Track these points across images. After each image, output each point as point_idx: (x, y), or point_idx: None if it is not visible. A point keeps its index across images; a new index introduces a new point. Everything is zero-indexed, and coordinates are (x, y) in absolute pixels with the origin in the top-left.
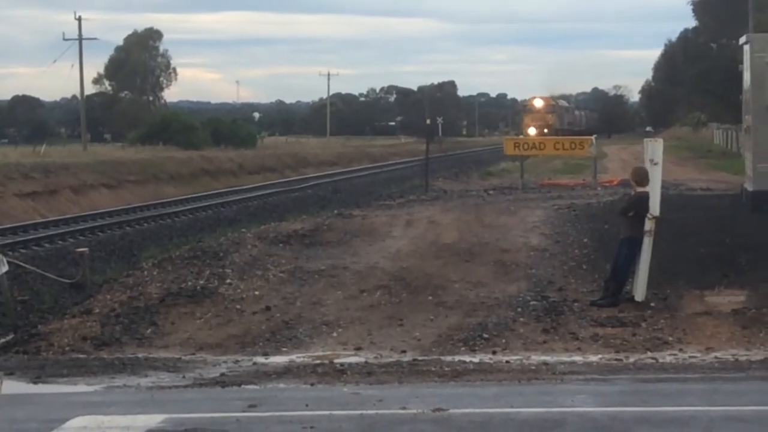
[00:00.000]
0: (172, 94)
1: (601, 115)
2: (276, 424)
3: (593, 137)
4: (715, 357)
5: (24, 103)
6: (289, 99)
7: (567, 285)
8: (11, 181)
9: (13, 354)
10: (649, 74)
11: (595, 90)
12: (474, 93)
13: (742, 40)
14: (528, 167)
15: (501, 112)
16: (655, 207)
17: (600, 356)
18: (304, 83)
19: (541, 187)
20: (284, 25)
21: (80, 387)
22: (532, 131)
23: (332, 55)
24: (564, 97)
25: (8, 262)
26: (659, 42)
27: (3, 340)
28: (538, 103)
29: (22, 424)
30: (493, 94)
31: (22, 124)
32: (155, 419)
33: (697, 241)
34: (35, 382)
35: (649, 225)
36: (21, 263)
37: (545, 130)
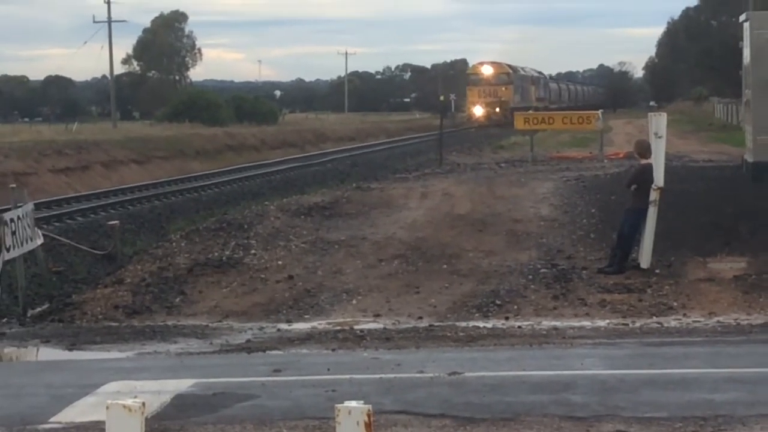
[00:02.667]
0: (197, 74)
1: (606, 90)
2: (299, 388)
3: (600, 112)
4: (718, 321)
5: (57, 83)
6: (308, 77)
7: (576, 253)
8: (45, 158)
9: (48, 322)
10: (652, 51)
11: (601, 66)
12: None
13: (742, 17)
14: (537, 141)
15: None
16: (659, 178)
17: (607, 321)
18: (323, 62)
19: (550, 160)
20: (305, 6)
21: (113, 353)
22: (478, 111)
23: (350, 35)
24: (570, 74)
25: (43, 235)
26: (662, 20)
27: (39, 309)
28: (487, 71)
29: (59, 389)
30: None
31: (55, 103)
32: (185, 383)
33: (700, 211)
34: (70, 349)
35: (653, 195)
36: (55, 236)
37: (497, 109)
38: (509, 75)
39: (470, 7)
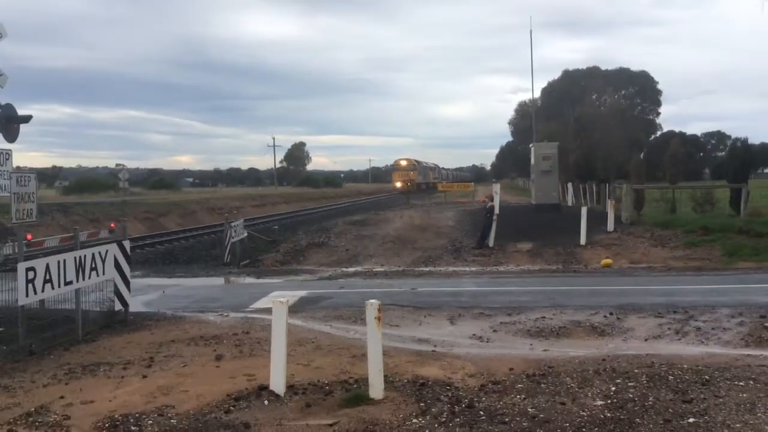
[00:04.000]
0: (309, 167)
1: (473, 174)
2: (351, 294)
3: (473, 183)
4: (521, 268)
5: (254, 172)
6: (355, 168)
7: (463, 240)
8: (248, 200)
9: (249, 267)
10: (493, 158)
11: (474, 165)
12: None
13: (530, 145)
14: (447, 195)
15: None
16: (496, 209)
17: (476, 268)
18: (362, 161)
19: (453, 203)
20: (357, 140)
21: (275, 280)
22: (398, 184)
23: (374, 151)
24: (460, 169)
25: (247, 232)
26: (497, 145)
27: (245, 262)
28: (403, 163)
29: (253, 294)
30: None
31: (252, 179)
32: (303, 293)
33: (513, 223)
34: (258, 278)
35: (494, 217)
36: (251, 232)
37: (408, 184)
38: (415, 165)
39: (421, 141)
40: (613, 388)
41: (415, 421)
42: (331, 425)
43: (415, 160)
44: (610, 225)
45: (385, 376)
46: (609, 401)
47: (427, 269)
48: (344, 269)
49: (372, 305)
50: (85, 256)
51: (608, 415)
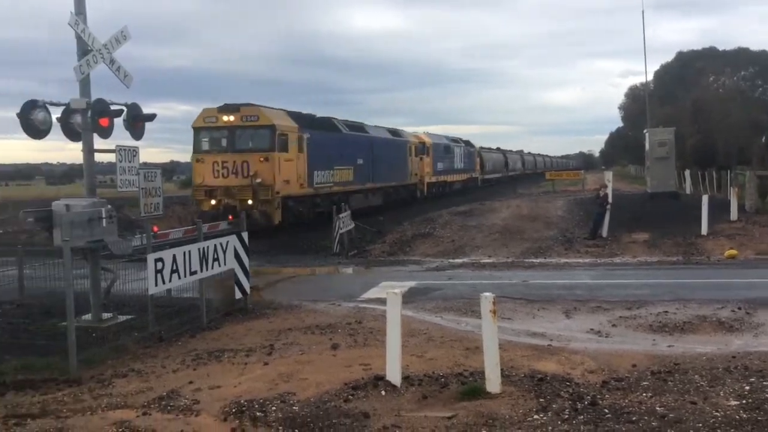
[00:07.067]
0: None
1: (581, 162)
2: (460, 285)
3: (582, 171)
4: (637, 260)
5: None
6: None
7: (575, 230)
8: None
9: (357, 258)
10: (602, 144)
11: (581, 152)
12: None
13: (645, 131)
14: (556, 184)
15: None
16: (610, 197)
17: (589, 259)
18: None
19: (562, 192)
20: (462, 129)
21: (383, 270)
22: (207, 204)
23: (481, 140)
24: (566, 157)
25: (355, 223)
26: (607, 131)
27: (353, 252)
28: (226, 118)
29: (363, 284)
30: None
31: None
32: (412, 283)
33: (628, 212)
34: (366, 268)
35: (608, 205)
36: (358, 223)
37: (252, 199)
38: (295, 129)
39: (525, 128)
40: (747, 388)
41: (536, 417)
42: (449, 418)
43: (304, 113)
44: (733, 214)
45: (501, 370)
46: (744, 401)
47: (537, 261)
48: (450, 260)
49: (486, 298)
50: (207, 247)
51: (744, 416)
